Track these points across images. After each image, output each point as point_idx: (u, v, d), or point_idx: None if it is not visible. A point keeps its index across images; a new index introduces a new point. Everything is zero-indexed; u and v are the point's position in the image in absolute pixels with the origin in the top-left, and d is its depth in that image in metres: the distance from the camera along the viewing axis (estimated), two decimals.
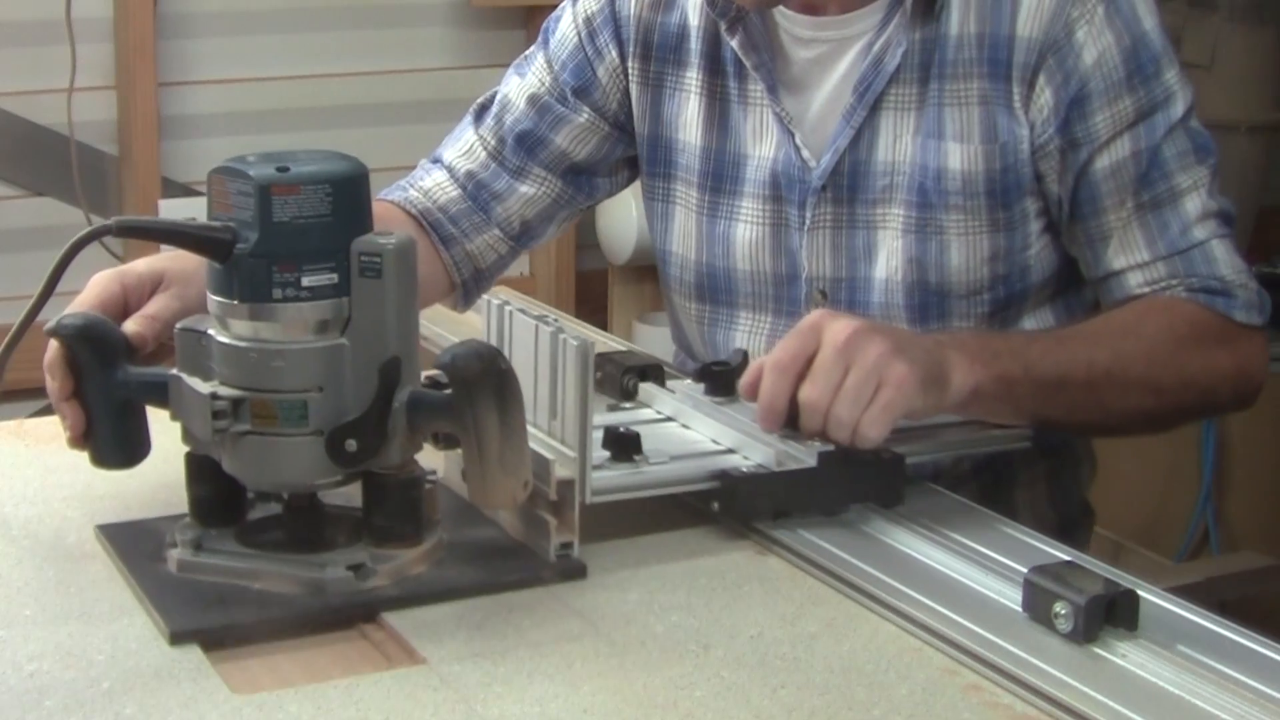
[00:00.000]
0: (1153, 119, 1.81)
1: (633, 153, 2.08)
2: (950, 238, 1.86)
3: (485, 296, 1.64)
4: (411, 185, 2.09)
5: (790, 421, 1.59)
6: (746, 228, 1.96)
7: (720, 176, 1.97)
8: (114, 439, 1.53)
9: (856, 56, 1.88)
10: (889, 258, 1.89)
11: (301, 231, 1.42)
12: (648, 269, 3.88)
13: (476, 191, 2.06)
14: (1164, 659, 1.30)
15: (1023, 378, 1.70)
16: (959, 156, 1.84)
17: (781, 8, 1.89)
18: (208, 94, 3.67)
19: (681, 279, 2.03)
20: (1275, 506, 3.56)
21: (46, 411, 3.52)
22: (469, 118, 2.12)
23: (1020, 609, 1.37)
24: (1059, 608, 1.33)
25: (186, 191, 3.64)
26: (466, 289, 2.08)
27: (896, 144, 1.87)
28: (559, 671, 1.31)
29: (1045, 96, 1.81)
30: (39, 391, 3.54)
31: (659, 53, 2.00)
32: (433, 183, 2.08)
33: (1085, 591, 1.32)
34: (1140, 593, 1.36)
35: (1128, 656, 1.31)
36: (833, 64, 1.90)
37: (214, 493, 1.51)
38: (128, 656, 1.34)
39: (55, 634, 1.38)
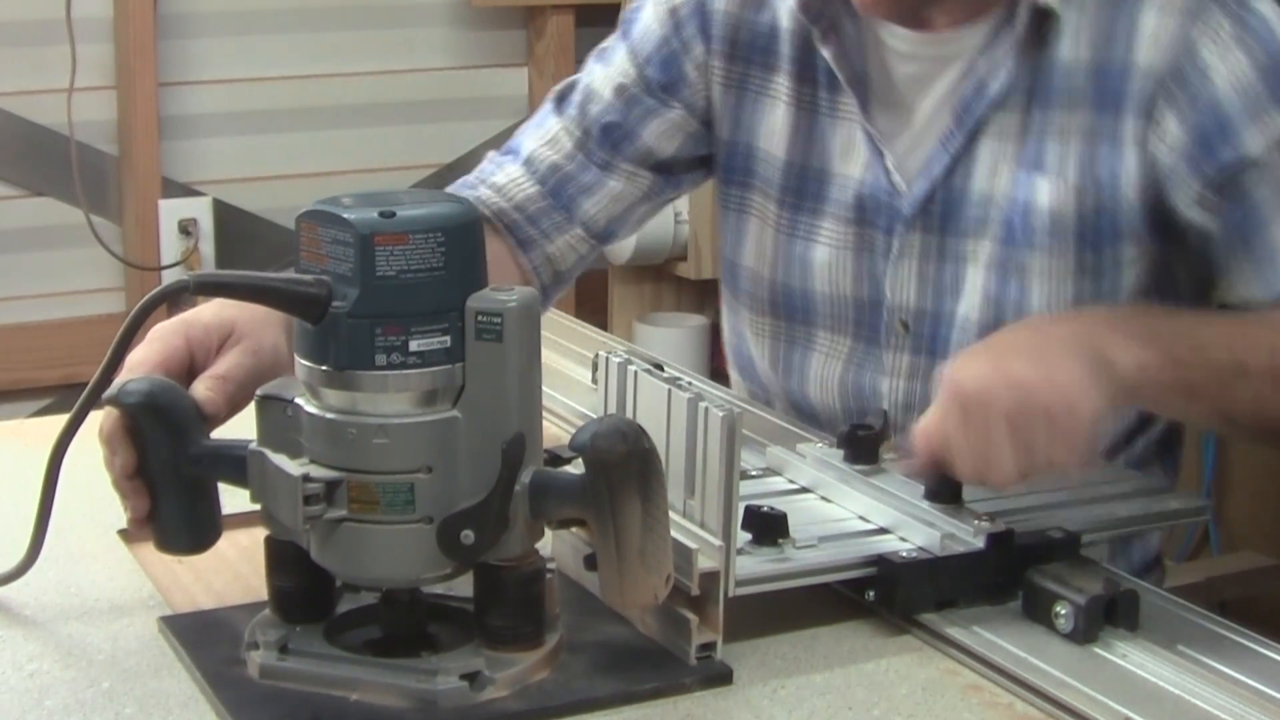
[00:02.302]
0: None
1: (711, 150, 1.78)
2: (1032, 279, 1.58)
3: (603, 353, 1.33)
4: (482, 182, 1.76)
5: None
6: (827, 250, 1.68)
7: (802, 193, 1.69)
8: (183, 521, 1.23)
9: (957, 76, 1.60)
10: (970, 293, 1.62)
11: (409, 288, 1.12)
12: (648, 269, 3.63)
13: (560, 186, 1.75)
14: (1164, 659, 1.22)
15: (1194, 359, 1.40)
16: (1049, 193, 1.56)
17: (883, 20, 1.61)
18: (208, 94, 3.43)
19: (754, 294, 1.75)
20: (1275, 507, 3.35)
21: (46, 411, 3.24)
22: (549, 105, 1.80)
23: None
24: (1059, 608, 1.25)
25: (187, 192, 3.42)
26: (546, 295, 1.77)
27: (995, 175, 1.59)
28: None
29: (1170, 126, 1.52)
30: (39, 391, 3.32)
31: (745, 53, 1.70)
32: (506, 178, 1.76)
33: (1085, 591, 1.24)
34: (1140, 593, 1.28)
35: (1128, 656, 1.23)
36: (931, 82, 1.62)
37: (300, 585, 1.22)
38: (128, 656, 1.24)
39: (55, 634, 1.28)
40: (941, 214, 1.61)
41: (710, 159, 1.79)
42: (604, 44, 1.81)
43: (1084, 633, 1.23)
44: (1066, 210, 1.56)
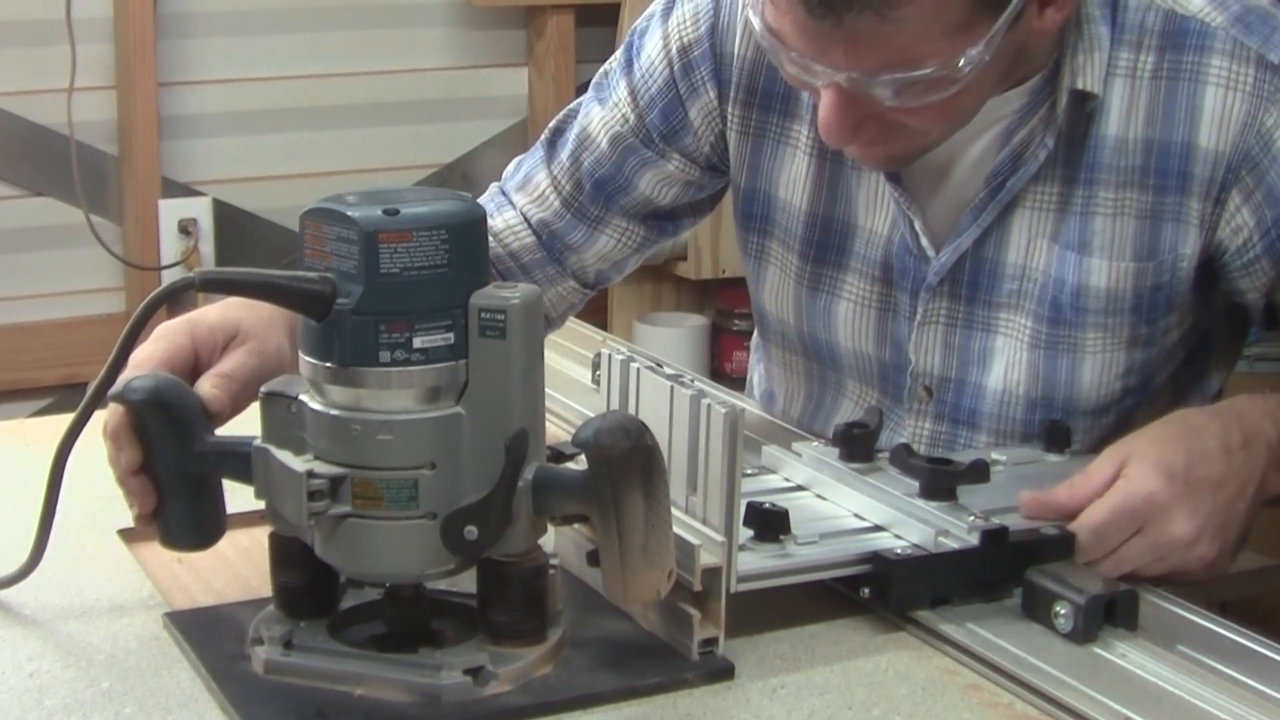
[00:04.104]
0: None
1: (722, 186, 1.73)
2: (1084, 355, 1.55)
3: (605, 351, 1.33)
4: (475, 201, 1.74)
5: None
6: (850, 306, 1.63)
7: (825, 246, 1.63)
8: (188, 517, 1.24)
9: (992, 143, 1.53)
10: (1009, 370, 1.57)
11: (413, 285, 1.13)
12: (648, 269, 3.63)
13: (551, 242, 1.73)
14: (1164, 659, 1.22)
15: None
16: (1105, 274, 1.52)
17: None
18: (208, 94, 3.43)
19: (783, 335, 1.71)
20: (1275, 506, 3.31)
21: (46, 411, 3.24)
22: (540, 151, 1.75)
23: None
24: (1059, 607, 1.25)
25: (187, 191, 3.42)
26: None
27: (1030, 248, 1.54)
28: None
29: (1243, 216, 1.49)
30: (39, 391, 3.32)
31: (764, 100, 1.63)
32: (504, 224, 1.73)
33: (1085, 591, 1.24)
34: (1140, 592, 1.28)
35: (1128, 656, 1.23)
36: (964, 149, 1.54)
37: (304, 581, 1.22)
38: (127, 656, 1.24)
39: (55, 633, 1.28)
40: (969, 283, 1.57)
41: (712, 199, 1.75)
42: (605, 68, 1.74)
43: (1083, 632, 1.23)
44: (1124, 290, 1.52)
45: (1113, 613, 1.25)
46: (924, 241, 1.57)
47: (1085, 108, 1.49)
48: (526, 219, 1.73)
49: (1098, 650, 1.23)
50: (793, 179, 1.63)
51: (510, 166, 1.79)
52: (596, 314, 3.58)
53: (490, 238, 1.67)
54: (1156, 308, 1.54)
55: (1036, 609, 1.26)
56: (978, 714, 1.17)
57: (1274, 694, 1.18)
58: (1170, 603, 1.31)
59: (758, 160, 1.65)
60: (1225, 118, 1.47)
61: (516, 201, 1.75)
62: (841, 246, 1.62)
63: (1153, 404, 1.60)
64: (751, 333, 1.88)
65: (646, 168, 1.68)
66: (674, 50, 1.65)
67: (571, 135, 1.73)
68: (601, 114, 1.70)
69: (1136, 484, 1.35)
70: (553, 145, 1.74)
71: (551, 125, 1.76)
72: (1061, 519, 1.34)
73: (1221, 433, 1.40)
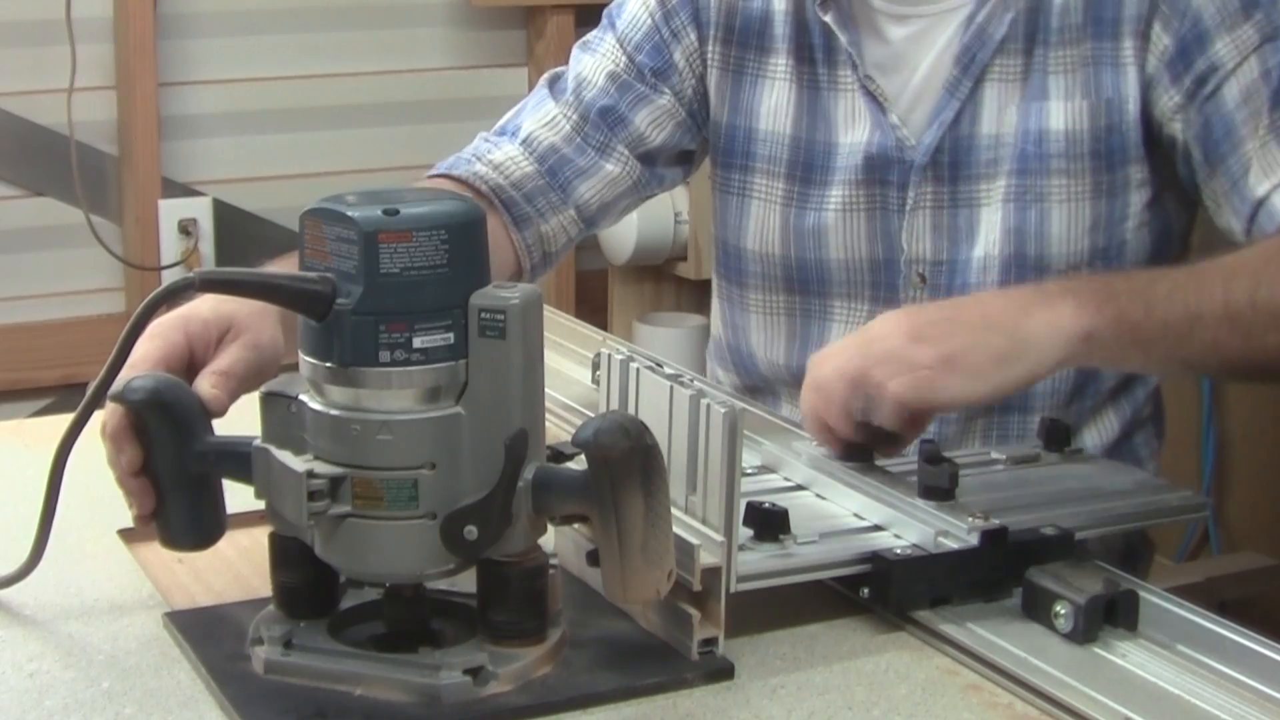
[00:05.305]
0: (1277, 40, 1.60)
1: (694, 145, 1.83)
2: (1051, 204, 1.65)
3: (604, 350, 1.34)
4: (478, 158, 1.77)
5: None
6: (839, 216, 1.73)
7: (811, 167, 1.74)
8: (188, 517, 1.24)
9: (957, 29, 1.67)
10: (987, 233, 1.67)
11: (413, 285, 1.13)
12: (648, 269, 3.64)
13: (558, 167, 1.78)
14: (1164, 659, 1.22)
15: (1145, 319, 1.44)
16: (1061, 115, 1.64)
17: None
18: (208, 94, 3.42)
19: (765, 274, 1.79)
20: (1276, 507, 3.35)
21: (46, 412, 3.24)
22: (543, 89, 1.83)
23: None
24: (1059, 607, 1.24)
25: (187, 192, 3.41)
26: (534, 274, 1.80)
27: (1001, 116, 1.67)
28: None
29: (1164, 41, 1.62)
30: (39, 391, 3.32)
31: (741, 37, 1.77)
32: (504, 156, 1.78)
33: (1085, 591, 1.24)
34: (1140, 593, 1.28)
35: (1128, 656, 1.22)
36: (930, 39, 1.69)
37: (304, 581, 1.22)
38: (128, 656, 1.23)
39: (55, 633, 1.28)
40: (951, 162, 1.67)
41: (691, 154, 1.84)
42: (586, 38, 1.85)
43: (1084, 632, 1.23)
44: (1080, 128, 1.64)
45: (1113, 613, 1.25)
46: (903, 133, 1.69)
47: None
48: (532, 146, 1.78)
49: (1098, 650, 1.23)
50: (773, 108, 1.75)
51: (505, 117, 1.84)
52: (596, 314, 3.59)
53: (491, 169, 1.75)
54: (1113, 152, 1.65)
55: (1036, 609, 1.26)
56: (977, 714, 1.17)
57: (1275, 694, 1.18)
58: (1171, 603, 1.31)
59: (738, 97, 1.77)
60: None
61: (525, 128, 1.79)
62: (826, 165, 1.72)
63: None
64: None
65: (642, 103, 1.79)
66: (653, 2, 1.79)
67: (569, 79, 1.82)
68: (593, 60, 1.81)
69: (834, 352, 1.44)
70: (553, 87, 1.83)
71: (547, 76, 1.84)
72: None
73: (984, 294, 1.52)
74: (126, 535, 1.43)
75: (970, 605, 1.28)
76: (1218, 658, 1.23)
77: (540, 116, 1.80)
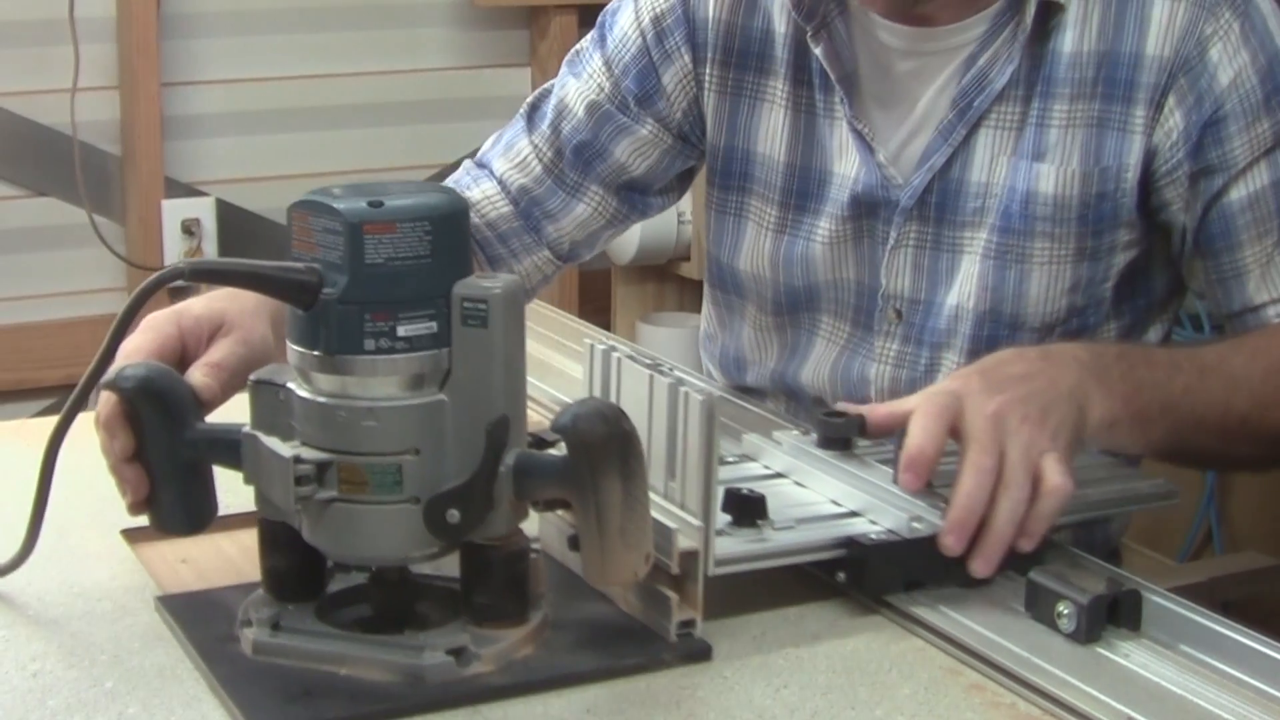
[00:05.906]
0: None
1: (690, 165, 1.82)
2: (1032, 266, 1.62)
3: (588, 341, 1.37)
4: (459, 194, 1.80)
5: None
6: (826, 248, 1.71)
7: (804, 195, 1.71)
8: (180, 503, 1.28)
9: (957, 70, 1.63)
10: (964, 283, 1.65)
11: (397, 275, 1.17)
12: (650, 269, 3.67)
13: (529, 209, 1.81)
14: (1167, 659, 1.23)
15: (1159, 417, 1.47)
16: (1052, 180, 1.60)
17: (881, 18, 1.65)
18: (211, 94, 3.46)
19: (758, 293, 1.78)
20: (1278, 506, 3.35)
21: (49, 412, 3.26)
22: (520, 121, 1.84)
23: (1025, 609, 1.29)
24: (1062, 607, 1.25)
25: (190, 192, 3.45)
26: None
27: (993, 165, 1.62)
28: None
29: (1175, 119, 1.57)
30: (41, 391, 3.35)
31: (740, 59, 1.73)
32: (482, 195, 1.81)
33: (1088, 591, 1.25)
34: (1143, 593, 1.29)
35: (1130, 656, 1.23)
36: (931, 77, 1.65)
37: (292, 564, 1.26)
38: (130, 656, 1.24)
39: (58, 633, 1.28)
40: (937, 205, 1.64)
41: (688, 175, 1.83)
42: (578, 47, 1.83)
43: (1086, 632, 1.24)
44: (1070, 194, 1.59)
45: (1116, 613, 1.26)
46: (890, 172, 1.66)
47: (1048, 23, 1.58)
48: (506, 187, 1.80)
49: (1101, 650, 1.24)
50: (770, 132, 1.72)
51: (488, 141, 1.86)
52: (599, 314, 3.62)
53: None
54: (1103, 219, 1.61)
55: (1039, 609, 1.27)
56: (980, 714, 1.18)
57: (1276, 694, 1.19)
58: (1173, 603, 1.32)
59: (735, 118, 1.74)
60: (1170, 25, 1.57)
61: (497, 169, 1.81)
62: (818, 194, 1.70)
63: (1103, 331, 1.67)
64: None
65: (622, 134, 1.77)
66: (646, 20, 1.75)
67: (549, 107, 1.81)
68: (577, 85, 1.79)
69: (937, 386, 1.41)
70: (531, 117, 1.83)
71: (529, 100, 1.84)
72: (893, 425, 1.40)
73: (1019, 351, 1.47)
74: (129, 535, 1.45)
75: (968, 602, 1.31)
76: (1221, 658, 1.24)
77: (512, 156, 1.82)
